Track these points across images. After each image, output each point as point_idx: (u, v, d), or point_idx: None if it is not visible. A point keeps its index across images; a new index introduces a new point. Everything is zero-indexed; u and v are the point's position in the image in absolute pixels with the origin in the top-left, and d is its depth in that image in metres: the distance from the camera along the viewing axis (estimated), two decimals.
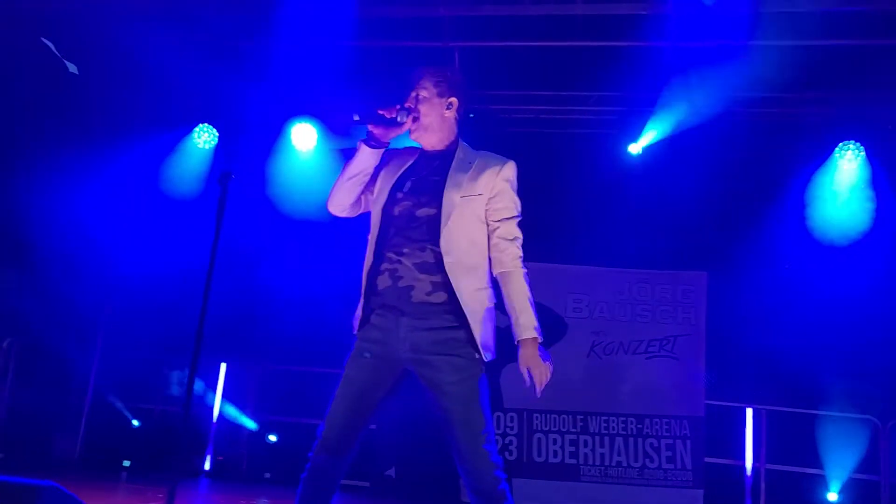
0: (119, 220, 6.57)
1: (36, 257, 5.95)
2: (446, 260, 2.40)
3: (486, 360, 2.41)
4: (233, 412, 6.45)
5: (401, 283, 2.42)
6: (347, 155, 2.62)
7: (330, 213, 2.64)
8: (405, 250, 2.43)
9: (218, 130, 6.76)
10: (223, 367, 6.62)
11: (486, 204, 2.49)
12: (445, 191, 2.47)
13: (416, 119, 2.55)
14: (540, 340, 2.44)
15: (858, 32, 5.41)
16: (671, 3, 5.21)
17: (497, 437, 5.92)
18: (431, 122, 2.57)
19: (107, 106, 6.25)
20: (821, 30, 5.42)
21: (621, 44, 5.71)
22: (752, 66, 5.55)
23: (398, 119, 2.49)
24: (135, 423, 6.47)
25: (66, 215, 6.09)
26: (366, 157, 2.50)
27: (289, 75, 6.08)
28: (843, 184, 6.05)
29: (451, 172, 2.51)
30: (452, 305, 2.40)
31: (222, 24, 5.69)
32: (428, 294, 2.40)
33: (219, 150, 6.79)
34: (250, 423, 6.49)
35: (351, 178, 2.53)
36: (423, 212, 2.45)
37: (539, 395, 2.42)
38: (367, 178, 2.56)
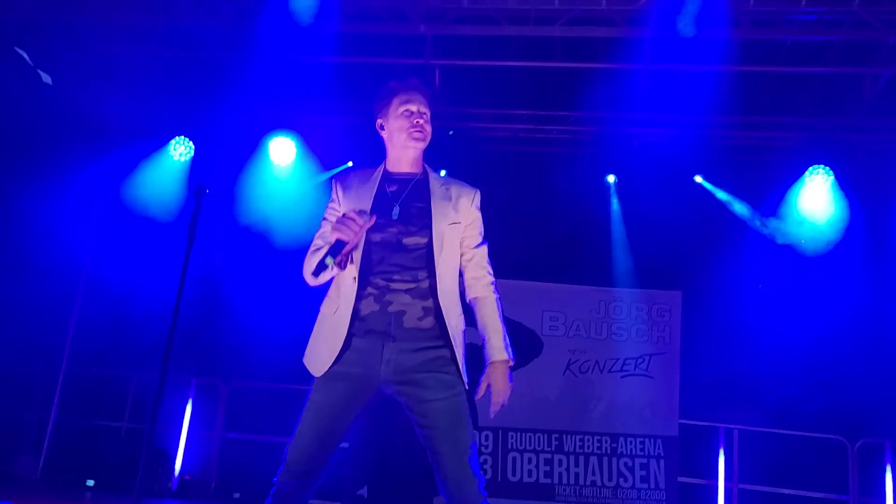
0: (89, 234, 6.45)
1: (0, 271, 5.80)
2: (440, 287, 2.42)
3: (465, 380, 2.44)
4: None
5: (391, 309, 2.40)
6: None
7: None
8: (395, 276, 2.42)
9: (194, 143, 6.69)
10: (192, 383, 6.47)
11: (462, 231, 2.54)
12: (434, 219, 2.48)
13: (423, 132, 2.54)
14: (511, 363, 2.50)
15: (828, 61, 5.59)
16: (648, 28, 5.32)
17: None
18: (426, 141, 2.57)
19: (82, 117, 6.16)
20: (791, 57, 5.59)
21: (598, 66, 5.81)
22: (726, 90, 5.69)
23: (347, 245, 2.41)
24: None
25: (34, 228, 5.96)
26: (332, 273, 2.46)
27: (269, 90, 6.07)
28: (813, 205, 6.18)
29: (434, 200, 2.52)
30: (440, 330, 2.42)
31: (202, 37, 5.67)
32: (419, 319, 2.41)
33: (195, 162, 6.72)
34: None
35: (322, 282, 2.48)
36: (411, 240, 2.45)
37: (492, 416, 2.48)
38: None
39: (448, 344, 2.40)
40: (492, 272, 2.57)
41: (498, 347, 2.47)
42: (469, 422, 2.38)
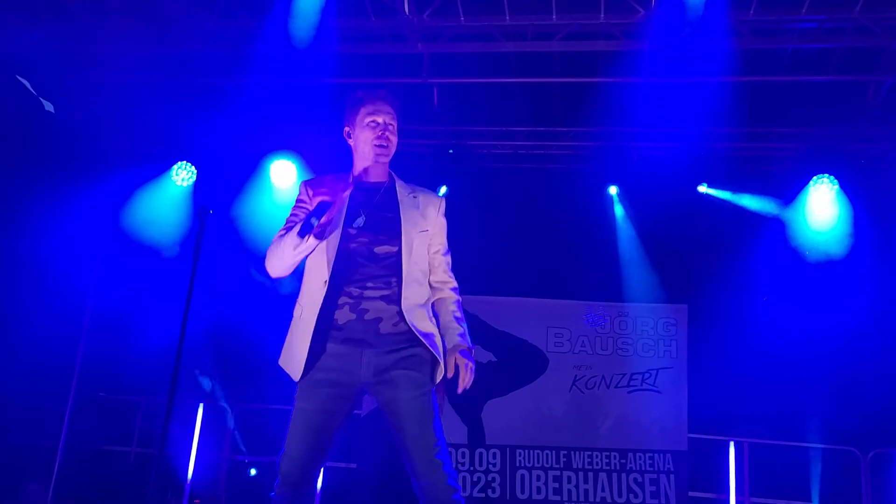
0: (94, 260, 6.48)
1: (6, 298, 5.83)
2: (405, 293, 2.47)
3: (438, 379, 2.50)
4: None
5: (367, 317, 2.45)
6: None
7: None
8: (369, 285, 2.47)
9: (196, 168, 6.71)
10: (200, 407, 6.48)
11: (430, 239, 2.60)
12: (403, 228, 2.53)
13: (388, 145, 2.57)
14: (472, 350, 2.56)
15: (830, 69, 5.53)
16: (647, 41, 5.29)
17: (480, 473, 5.86)
18: (391, 154, 2.61)
19: (84, 144, 6.20)
20: (792, 66, 5.55)
21: (598, 80, 5.79)
22: (727, 101, 5.65)
23: (321, 221, 2.42)
24: None
25: (40, 255, 5.99)
26: (313, 245, 2.45)
27: (269, 112, 6.09)
28: (818, 215, 6.13)
29: (403, 209, 2.56)
30: (414, 334, 2.47)
31: (202, 61, 5.69)
32: (395, 325, 2.47)
33: (198, 187, 6.74)
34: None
35: (299, 257, 2.47)
36: (382, 249, 2.50)
37: (460, 392, 2.49)
38: None
39: (423, 345, 2.46)
40: (454, 279, 2.65)
41: (460, 336, 2.54)
42: (437, 419, 2.42)
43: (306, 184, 2.66)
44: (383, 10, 5.45)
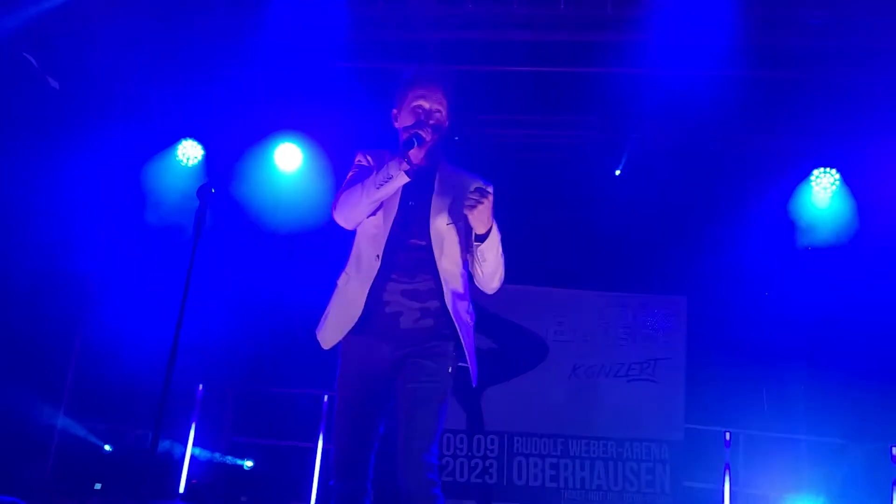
0: (95, 239, 6.46)
1: (3, 276, 5.81)
2: (445, 289, 2.39)
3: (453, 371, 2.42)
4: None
5: (388, 310, 2.40)
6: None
7: (335, 221, 2.52)
8: (393, 276, 2.41)
9: (203, 147, 6.71)
10: (200, 388, 6.48)
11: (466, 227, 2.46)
12: (431, 220, 2.42)
13: (435, 135, 2.44)
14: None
15: (831, 62, 5.57)
16: (653, 32, 5.31)
17: (477, 459, 5.89)
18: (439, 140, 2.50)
19: (89, 123, 6.19)
20: (794, 59, 5.58)
21: (604, 70, 5.80)
22: (732, 93, 5.68)
23: (426, 139, 2.36)
24: (107, 447, 6.31)
25: (39, 230, 5.98)
26: (400, 183, 2.36)
27: (275, 96, 6.09)
28: (820, 208, 6.16)
29: (434, 198, 2.45)
30: (439, 329, 2.41)
31: (210, 43, 5.69)
32: (416, 321, 2.40)
33: (204, 166, 6.74)
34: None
35: (377, 200, 2.39)
36: (413, 242, 2.43)
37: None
38: None
39: (448, 339, 2.40)
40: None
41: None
42: (439, 413, 2.33)
43: (364, 152, 2.57)
44: None
